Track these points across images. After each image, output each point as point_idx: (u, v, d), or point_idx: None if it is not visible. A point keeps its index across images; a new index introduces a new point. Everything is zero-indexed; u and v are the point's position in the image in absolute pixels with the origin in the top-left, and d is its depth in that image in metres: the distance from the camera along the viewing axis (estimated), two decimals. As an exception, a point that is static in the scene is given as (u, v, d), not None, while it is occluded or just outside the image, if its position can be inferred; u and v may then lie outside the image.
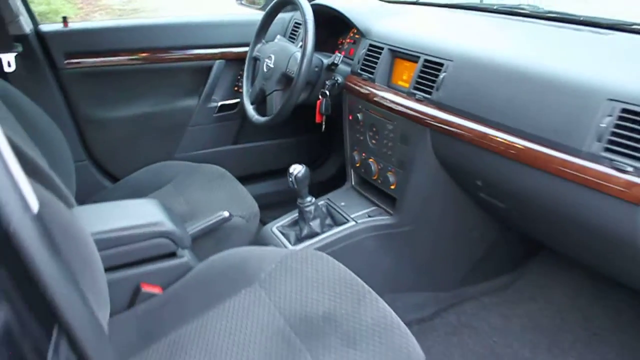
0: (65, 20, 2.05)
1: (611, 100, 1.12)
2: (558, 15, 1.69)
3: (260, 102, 2.02)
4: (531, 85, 1.29)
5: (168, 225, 1.51)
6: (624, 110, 1.10)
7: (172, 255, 1.53)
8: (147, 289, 1.47)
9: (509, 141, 1.31)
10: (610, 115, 1.12)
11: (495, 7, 1.92)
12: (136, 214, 1.54)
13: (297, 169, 1.67)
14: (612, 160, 1.11)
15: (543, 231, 1.52)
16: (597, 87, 1.16)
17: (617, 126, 1.11)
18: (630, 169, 1.08)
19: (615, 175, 1.10)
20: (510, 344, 1.73)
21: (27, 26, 1.96)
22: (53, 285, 0.55)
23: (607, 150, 1.12)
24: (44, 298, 0.54)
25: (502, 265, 1.94)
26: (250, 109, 2.02)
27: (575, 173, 1.16)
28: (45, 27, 2.01)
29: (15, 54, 1.91)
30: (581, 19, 1.61)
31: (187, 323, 1.21)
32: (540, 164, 1.24)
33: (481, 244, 1.82)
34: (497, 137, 1.34)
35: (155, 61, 2.17)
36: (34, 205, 0.55)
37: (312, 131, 2.01)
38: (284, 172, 1.82)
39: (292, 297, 1.22)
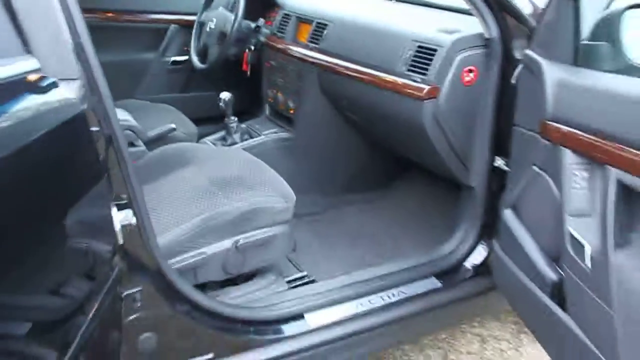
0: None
1: (413, 40, 1.86)
2: (425, 2, 2.41)
3: (203, 54, 2.68)
4: (375, 34, 2.04)
5: (131, 121, 2.16)
6: (419, 47, 1.83)
7: (132, 144, 2.18)
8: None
9: (360, 70, 2.04)
10: (411, 50, 1.85)
11: None
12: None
13: (225, 95, 2.36)
14: (410, 75, 1.83)
15: (385, 137, 2.25)
16: (408, 34, 1.90)
17: (415, 56, 1.84)
18: (419, 80, 1.81)
19: (411, 84, 1.83)
20: (372, 233, 2.41)
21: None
22: None
23: (409, 70, 1.84)
24: None
25: (377, 180, 2.64)
26: (195, 59, 2.68)
27: (392, 85, 1.90)
28: None
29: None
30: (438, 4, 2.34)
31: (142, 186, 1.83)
32: (375, 82, 1.96)
33: (357, 159, 2.54)
34: (354, 68, 2.06)
35: (120, 21, 2.81)
36: None
37: (245, 84, 2.69)
38: (221, 119, 2.51)
39: (215, 168, 1.88)
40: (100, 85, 1.20)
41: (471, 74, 1.78)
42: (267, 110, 2.68)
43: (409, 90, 1.84)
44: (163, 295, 1.41)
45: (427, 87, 1.79)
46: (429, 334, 2.20)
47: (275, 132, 2.48)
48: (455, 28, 1.85)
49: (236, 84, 2.98)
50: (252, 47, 2.60)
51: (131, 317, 1.36)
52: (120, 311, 1.34)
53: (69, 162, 1.13)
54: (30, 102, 1.01)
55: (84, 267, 1.20)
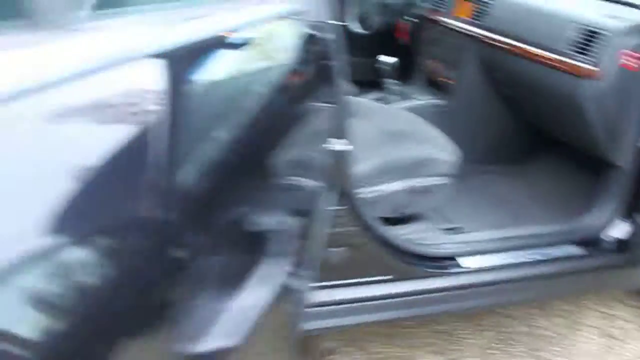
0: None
1: (578, 22, 2.00)
2: None
3: (361, 22, 2.92)
4: (538, 14, 2.19)
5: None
6: (583, 29, 1.97)
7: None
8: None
9: (522, 46, 2.19)
10: (575, 31, 1.99)
11: None
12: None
13: (392, 59, 2.58)
14: (572, 55, 1.98)
15: (536, 111, 2.39)
16: (573, 15, 2.05)
17: (578, 37, 1.98)
18: (580, 59, 1.95)
19: (571, 62, 1.98)
20: (510, 200, 2.55)
21: None
22: None
23: (570, 49, 1.98)
24: None
25: (512, 155, 2.76)
26: (354, 26, 2.92)
27: (553, 63, 2.05)
28: None
29: None
30: None
31: None
32: (537, 58, 2.12)
33: (496, 133, 2.69)
34: (516, 44, 2.22)
35: None
36: None
37: (397, 52, 2.90)
38: (374, 83, 2.73)
39: (384, 121, 2.13)
40: (338, 31, 1.45)
41: (633, 60, 1.89)
42: (421, 78, 2.88)
43: (569, 69, 1.98)
44: (354, 218, 1.67)
45: (587, 67, 1.92)
46: (558, 297, 2.35)
47: (430, 99, 2.68)
48: (620, 15, 1.96)
49: (389, 51, 3.20)
50: (410, 18, 2.80)
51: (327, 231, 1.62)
52: (318, 225, 1.58)
53: (311, 90, 1.40)
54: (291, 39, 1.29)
55: (297, 186, 1.47)
